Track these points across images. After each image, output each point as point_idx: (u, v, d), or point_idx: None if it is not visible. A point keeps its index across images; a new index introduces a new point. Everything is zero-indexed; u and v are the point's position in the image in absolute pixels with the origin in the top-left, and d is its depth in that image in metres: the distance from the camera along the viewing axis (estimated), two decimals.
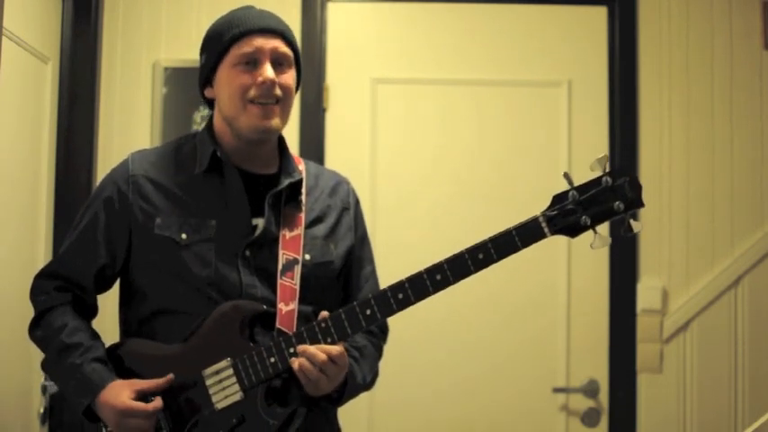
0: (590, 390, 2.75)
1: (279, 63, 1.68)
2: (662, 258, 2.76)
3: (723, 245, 2.76)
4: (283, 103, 1.69)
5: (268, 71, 1.65)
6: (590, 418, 2.75)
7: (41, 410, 2.48)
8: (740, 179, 2.78)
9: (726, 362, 2.73)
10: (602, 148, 2.80)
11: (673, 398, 2.73)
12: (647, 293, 2.74)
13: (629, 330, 2.74)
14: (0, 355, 2.28)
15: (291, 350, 1.56)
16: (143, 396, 1.58)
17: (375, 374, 1.78)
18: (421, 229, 2.79)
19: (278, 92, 1.67)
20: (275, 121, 1.68)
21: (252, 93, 1.65)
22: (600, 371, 2.76)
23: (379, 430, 2.76)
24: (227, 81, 1.68)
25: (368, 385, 1.75)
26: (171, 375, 1.60)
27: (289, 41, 1.71)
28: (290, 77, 1.70)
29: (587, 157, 2.72)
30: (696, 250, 2.77)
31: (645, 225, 2.76)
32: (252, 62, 1.67)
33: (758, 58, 2.80)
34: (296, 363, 1.54)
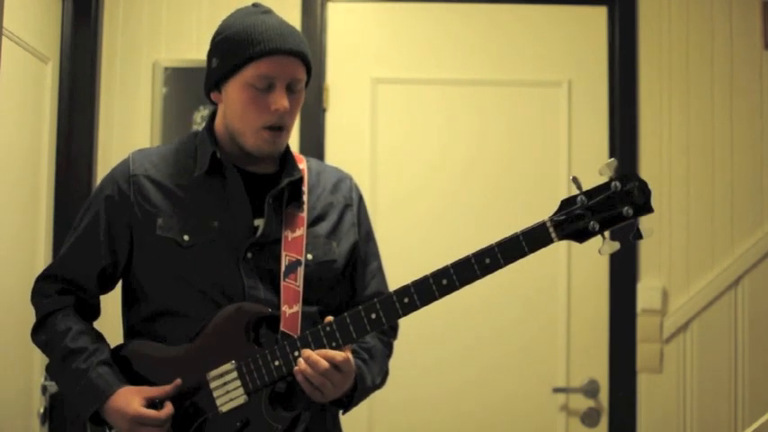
0: (590, 390, 2.75)
1: (292, 89, 1.65)
2: (662, 258, 2.76)
3: (723, 245, 2.76)
4: (289, 126, 1.68)
5: (284, 100, 1.62)
6: (590, 418, 2.75)
7: (41, 410, 2.48)
8: (740, 179, 2.78)
9: (726, 362, 2.73)
10: (602, 147, 2.80)
11: (673, 398, 2.73)
12: (647, 293, 2.74)
13: (629, 330, 2.74)
14: (0, 355, 2.28)
15: (296, 353, 1.54)
16: (152, 403, 1.57)
17: (385, 374, 1.77)
18: (421, 229, 2.79)
19: (287, 120, 1.65)
20: (281, 144, 1.68)
21: (263, 119, 1.63)
22: (600, 371, 2.76)
23: (379, 430, 2.76)
24: (238, 98, 1.64)
25: (378, 386, 1.74)
26: (179, 380, 1.58)
27: (307, 62, 1.67)
28: (298, 103, 1.67)
29: (587, 157, 2.79)
30: (696, 250, 2.77)
31: (644, 225, 2.76)
32: (267, 86, 1.62)
33: (758, 58, 2.80)
34: (298, 371, 1.53)
